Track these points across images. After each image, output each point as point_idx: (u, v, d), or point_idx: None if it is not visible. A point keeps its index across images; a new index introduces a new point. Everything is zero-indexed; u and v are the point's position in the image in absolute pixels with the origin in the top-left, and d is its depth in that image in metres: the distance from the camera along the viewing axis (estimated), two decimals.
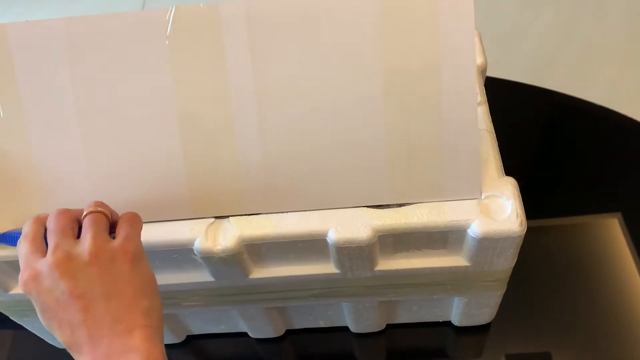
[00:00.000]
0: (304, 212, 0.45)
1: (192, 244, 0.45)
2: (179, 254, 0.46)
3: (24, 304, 0.52)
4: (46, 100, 0.45)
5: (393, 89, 0.43)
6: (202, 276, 0.48)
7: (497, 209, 0.43)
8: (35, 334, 0.59)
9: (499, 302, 0.55)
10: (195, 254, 0.45)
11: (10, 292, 0.50)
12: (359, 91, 0.43)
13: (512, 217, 0.43)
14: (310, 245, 0.46)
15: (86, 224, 0.37)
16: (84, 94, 0.45)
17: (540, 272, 0.62)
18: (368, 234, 0.43)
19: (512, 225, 0.42)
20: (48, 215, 0.39)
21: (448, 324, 0.59)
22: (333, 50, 0.43)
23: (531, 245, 0.45)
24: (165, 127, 0.45)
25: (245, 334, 0.61)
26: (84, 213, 0.38)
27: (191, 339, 0.62)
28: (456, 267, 0.47)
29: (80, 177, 0.45)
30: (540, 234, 0.59)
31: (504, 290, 0.52)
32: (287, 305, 0.55)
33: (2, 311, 0.54)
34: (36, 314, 0.51)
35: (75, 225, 0.38)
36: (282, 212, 0.45)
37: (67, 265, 0.35)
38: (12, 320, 0.55)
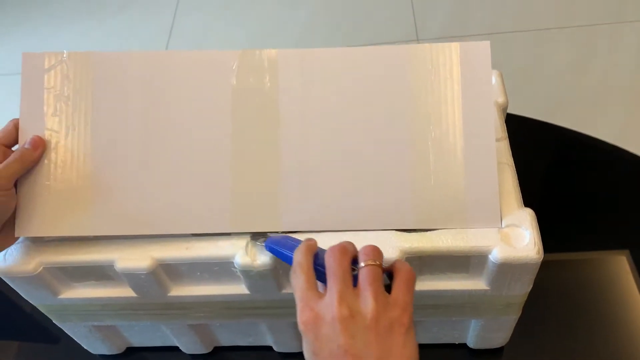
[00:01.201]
0: (336, 232, 0.49)
1: (233, 258, 0.48)
2: (220, 267, 0.50)
3: (69, 309, 0.56)
4: (115, 119, 0.50)
5: (420, 128, 0.49)
6: (239, 289, 0.52)
7: (517, 238, 0.47)
8: (74, 338, 0.62)
9: (514, 326, 0.58)
10: (234, 267, 0.49)
11: (58, 297, 0.54)
12: (390, 129, 0.49)
13: (530, 245, 0.46)
14: None
15: (366, 278, 0.38)
16: (150, 117, 0.50)
17: (549, 305, 0.65)
18: (397, 255, 0.47)
19: (530, 252, 0.46)
20: (315, 243, 0.41)
21: (463, 346, 0.62)
22: (370, 94, 0.49)
23: (539, 277, 0.49)
24: (218, 151, 0.50)
25: (269, 348, 0.64)
26: (363, 263, 0.39)
27: (218, 350, 0.65)
28: (476, 291, 0.50)
29: (136, 189, 0.50)
30: (549, 267, 0.62)
31: (518, 315, 0.55)
32: None
33: (46, 314, 0.57)
34: (78, 319, 0.55)
35: (351, 268, 0.39)
36: (315, 232, 0.49)
37: (350, 322, 0.36)
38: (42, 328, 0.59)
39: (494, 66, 0.50)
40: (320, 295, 0.38)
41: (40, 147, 0.49)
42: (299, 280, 0.39)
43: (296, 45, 1.62)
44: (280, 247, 0.45)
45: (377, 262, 0.39)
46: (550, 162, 0.80)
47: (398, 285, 0.39)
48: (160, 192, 0.50)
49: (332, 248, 0.40)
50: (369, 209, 0.49)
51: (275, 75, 0.50)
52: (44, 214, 0.50)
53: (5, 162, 0.48)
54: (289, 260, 0.43)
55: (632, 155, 0.77)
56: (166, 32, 1.72)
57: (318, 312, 0.37)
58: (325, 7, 1.71)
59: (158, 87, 0.50)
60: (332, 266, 0.38)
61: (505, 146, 0.53)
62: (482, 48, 0.49)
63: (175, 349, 0.65)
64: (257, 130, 0.50)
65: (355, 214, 0.49)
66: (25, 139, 0.50)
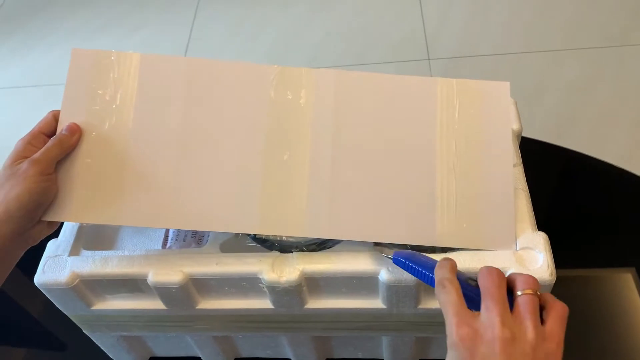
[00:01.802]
0: (358, 252, 0.52)
1: (261, 274, 0.51)
2: (247, 282, 0.53)
3: (101, 320, 0.58)
4: (156, 118, 0.53)
5: (446, 156, 0.52)
6: (263, 304, 0.55)
7: (531, 260, 0.49)
8: (101, 347, 0.65)
9: None
10: (262, 284, 0.51)
11: (91, 308, 0.57)
12: (417, 154, 0.52)
13: (543, 267, 0.49)
14: (362, 282, 0.52)
15: (526, 306, 0.39)
16: (190, 119, 0.53)
17: None
18: None
19: (544, 274, 0.48)
20: (455, 263, 0.42)
21: None
22: (399, 120, 0.53)
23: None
24: (251, 157, 0.53)
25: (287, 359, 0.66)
26: (521, 292, 0.39)
27: None
28: None
29: (171, 186, 0.52)
30: (556, 283, 0.64)
31: None
32: (333, 335, 0.61)
33: (78, 324, 0.60)
34: (108, 329, 0.57)
35: None
36: (338, 252, 0.52)
37: (510, 345, 0.37)
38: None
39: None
40: (475, 314, 0.39)
41: (77, 132, 0.52)
42: (450, 297, 0.40)
43: (310, 62, 1.66)
44: (415, 263, 0.46)
45: (536, 292, 0.40)
46: (556, 182, 0.82)
47: (554, 319, 0.39)
48: (195, 190, 0.52)
49: (489, 271, 0.40)
50: (393, 223, 0.52)
51: (311, 92, 0.53)
52: (79, 201, 0.51)
53: (44, 147, 0.50)
54: (421, 276, 0.45)
55: (637, 178, 0.79)
56: (182, 49, 1.76)
57: (477, 329, 0.38)
58: (338, 25, 1.75)
59: (200, 92, 0.53)
60: (490, 288, 0.39)
61: (520, 172, 0.56)
62: (503, 88, 0.53)
63: (197, 359, 0.67)
64: (290, 139, 0.53)
65: (378, 226, 0.52)
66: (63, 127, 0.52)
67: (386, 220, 0.52)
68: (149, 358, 0.68)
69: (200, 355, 0.66)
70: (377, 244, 0.52)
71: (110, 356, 0.67)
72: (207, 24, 1.83)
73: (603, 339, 0.67)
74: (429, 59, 1.59)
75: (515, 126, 0.60)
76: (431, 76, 1.55)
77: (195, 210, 0.52)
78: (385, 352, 0.63)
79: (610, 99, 1.46)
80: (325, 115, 0.53)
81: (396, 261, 0.47)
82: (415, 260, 0.46)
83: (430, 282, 0.43)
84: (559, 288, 0.57)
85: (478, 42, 1.62)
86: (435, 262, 0.44)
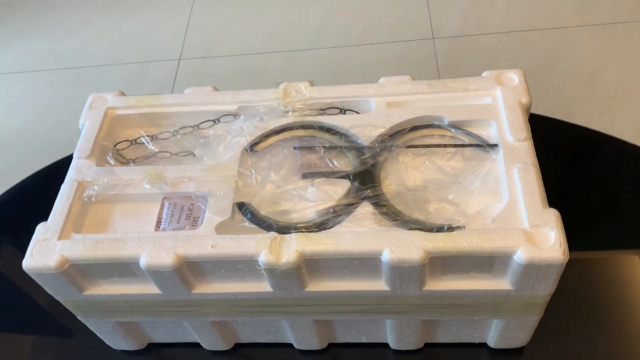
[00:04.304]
0: (359, 232, 0.49)
1: (258, 256, 0.49)
2: (244, 265, 0.50)
3: (94, 305, 0.56)
4: None
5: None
6: (262, 287, 0.52)
7: (542, 238, 0.47)
8: (97, 334, 0.63)
9: (535, 326, 0.57)
10: (259, 266, 0.49)
11: (83, 293, 0.55)
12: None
13: (555, 246, 0.46)
14: (364, 263, 0.49)
15: None
16: None
17: (564, 303, 0.64)
18: (420, 255, 0.47)
19: (556, 253, 0.46)
20: None
21: (484, 345, 0.62)
22: None
23: None
24: None
25: (290, 345, 0.64)
26: None
27: (238, 347, 0.66)
28: (500, 291, 0.50)
29: None
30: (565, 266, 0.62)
31: (541, 315, 0.55)
32: (335, 319, 0.58)
33: (70, 310, 0.58)
34: (102, 314, 0.56)
35: None
36: (339, 232, 0.49)
37: None
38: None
39: (511, 64, 0.50)
40: None
41: None
42: None
43: (312, 43, 1.62)
44: None
45: None
46: (565, 160, 0.79)
47: None
48: None
49: None
50: None
51: None
52: None
53: None
54: None
55: None
56: (182, 32, 1.73)
57: None
58: (340, 6, 1.71)
59: None
60: None
61: (529, 146, 0.53)
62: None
63: (196, 345, 0.65)
64: None
65: None
66: None
67: None
68: (147, 344, 0.66)
69: (199, 341, 0.64)
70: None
71: (107, 343, 0.65)
72: (207, 5, 1.80)
73: (609, 321, 0.64)
74: (433, 38, 1.55)
75: (524, 99, 0.57)
76: (435, 56, 1.51)
77: None
78: (389, 336, 0.61)
79: (621, 76, 1.42)
80: None
81: None
82: None
83: None
84: (565, 269, 0.54)
85: (484, 21, 1.58)
86: None
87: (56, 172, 0.85)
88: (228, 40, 1.69)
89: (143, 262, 0.50)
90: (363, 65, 1.54)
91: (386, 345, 0.63)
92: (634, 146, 0.79)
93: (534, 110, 0.59)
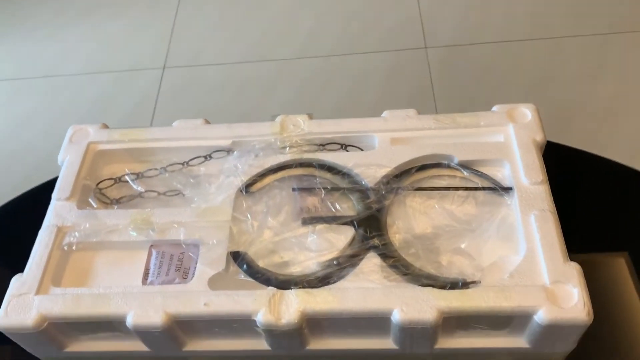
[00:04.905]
0: (367, 288, 0.45)
1: (255, 315, 0.45)
2: (239, 323, 0.46)
3: None
4: None
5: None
6: (259, 345, 0.48)
7: (564, 296, 0.43)
8: None
9: None
10: (257, 327, 0.45)
11: (64, 350, 0.50)
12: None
13: (579, 306, 0.43)
14: (372, 322, 0.45)
15: None
16: None
17: None
18: (434, 316, 0.43)
19: (580, 314, 0.42)
20: None
21: None
22: None
23: None
24: None
25: None
26: None
27: None
28: (516, 349, 0.47)
29: None
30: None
31: None
32: None
33: None
34: None
35: None
36: (344, 288, 0.45)
37: None
38: None
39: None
40: None
41: None
42: None
43: (302, 52, 1.58)
44: None
45: None
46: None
47: None
48: None
49: None
50: None
51: None
52: None
53: None
54: None
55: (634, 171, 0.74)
56: (166, 39, 1.67)
57: None
58: (331, 12, 1.67)
59: None
60: None
61: (546, 190, 0.49)
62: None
63: None
64: None
65: None
66: None
67: None
68: None
69: None
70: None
71: None
72: (193, 10, 1.74)
73: (595, 323, 0.61)
74: (425, 48, 1.51)
75: (539, 137, 0.53)
76: (428, 65, 1.48)
77: None
78: None
79: (616, 87, 1.39)
80: None
81: None
82: None
83: None
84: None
85: (477, 30, 1.54)
86: None
87: (33, 202, 0.81)
88: (214, 47, 1.63)
89: (130, 321, 0.45)
90: (354, 74, 1.50)
91: None
92: (622, 165, 0.76)
93: None
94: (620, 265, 0.66)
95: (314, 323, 0.46)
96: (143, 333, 0.46)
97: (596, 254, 0.68)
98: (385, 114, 0.57)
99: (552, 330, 0.43)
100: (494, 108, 0.56)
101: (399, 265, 0.47)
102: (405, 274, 0.46)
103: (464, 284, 0.45)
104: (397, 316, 0.43)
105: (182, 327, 0.47)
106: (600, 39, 1.49)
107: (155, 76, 1.59)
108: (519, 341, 0.46)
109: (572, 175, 0.75)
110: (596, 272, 0.65)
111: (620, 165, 0.74)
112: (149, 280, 0.49)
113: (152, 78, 1.59)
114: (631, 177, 0.74)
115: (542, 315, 0.42)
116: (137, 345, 0.49)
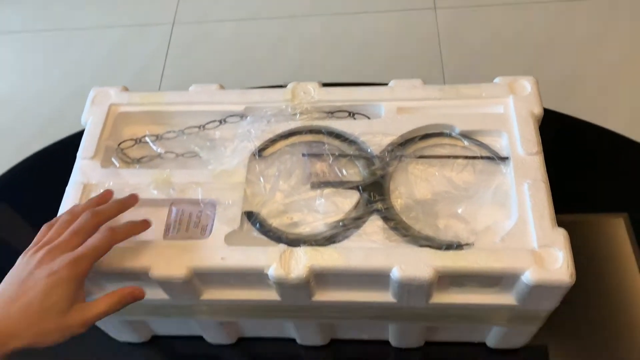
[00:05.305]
0: (369, 248, 0.49)
1: (267, 269, 0.49)
2: (254, 277, 0.51)
3: None
4: None
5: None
6: (270, 295, 0.53)
7: (550, 259, 0.47)
8: (103, 329, 0.64)
9: (535, 332, 0.59)
10: (269, 279, 0.49)
11: (92, 297, 0.55)
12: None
13: (563, 268, 0.47)
14: (373, 278, 0.50)
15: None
16: None
17: None
18: (430, 274, 0.47)
19: (563, 275, 0.46)
20: None
21: (482, 344, 0.64)
22: None
23: None
24: None
25: (293, 340, 0.65)
26: None
27: (242, 341, 0.67)
28: (504, 305, 0.51)
29: None
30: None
31: (541, 325, 0.56)
32: (339, 323, 0.59)
33: None
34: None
35: None
36: (348, 247, 0.50)
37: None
38: None
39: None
40: None
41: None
42: None
43: (310, 10, 1.58)
44: None
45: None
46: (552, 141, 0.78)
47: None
48: None
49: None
50: None
51: None
52: None
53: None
54: None
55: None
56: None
57: None
58: None
59: None
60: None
61: (540, 161, 0.53)
62: None
63: (200, 338, 0.66)
64: None
65: None
66: None
67: None
68: (151, 337, 0.67)
69: (204, 336, 0.65)
70: None
71: (112, 336, 0.66)
72: None
73: (593, 284, 0.66)
74: (435, 8, 1.52)
75: (536, 110, 0.56)
76: (437, 26, 1.48)
77: None
78: (391, 336, 0.62)
79: (623, 52, 1.40)
80: None
81: None
82: None
83: None
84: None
85: None
86: None
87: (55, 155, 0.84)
88: (223, 4, 1.64)
89: (153, 273, 0.50)
90: (361, 35, 1.51)
91: (387, 342, 0.64)
92: (621, 136, 0.79)
93: None
94: (613, 225, 0.70)
95: (320, 278, 0.50)
96: (165, 284, 0.51)
97: (590, 214, 0.71)
98: (392, 83, 0.60)
99: (537, 289, 0.47)
100: (496, 80, 0.59)
101: (399, 228, 0.51)
102: (405, 236, 0.50)
103: (459, 246, 0.49)
104: (396, 273, 0.48)
105: (201, 278, 0.52)
106: (609, 1, 1.48)
107: (165, 32, 1.60)
108: (508, 298, 0.51)
109: (571, 143, 0.78)
110: (589, 232, 0.70)
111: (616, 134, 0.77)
112: (170, 235, 0.53)
113: (161, 34, 1.60)
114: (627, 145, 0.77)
115: (529, 276, 0.47)
116: (158, 293, 0.54)
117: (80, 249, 0.45)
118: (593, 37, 1.44)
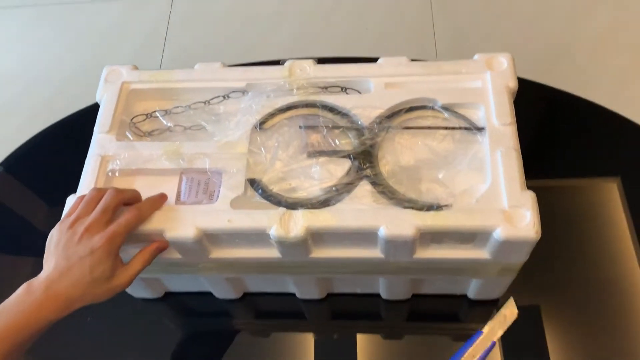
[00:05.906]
0: (359, 209, 0.56)
1: (269, 230, 0.55)
2: (257, 237, 0.57)
3: None
4: None
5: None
6: (271, 253, 0.59)
7: (518, 218, 0.54)
8: None
9: (510, 283, 0.66)
10: (270, 239, 0.56)
11: None
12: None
13: (529, 225, 0.53)
14: (363, 236, 0.56)
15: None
16: None
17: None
18: (412, 231, 0.54)
19: (530, 232, 0.53)
20: None
21: (464, 296, 0.71)
22: None
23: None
24: None
25: (293, 295, 0.72)
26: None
27: (247, 296, 0.74)
28: (479, 259, 0.58)
29: None
30: (546, 192, 0.62)
31: (514, 277, 0.63)
32: (334, 277, 0.66)
33: None
34: None
35: None
36: (341, 209, 0.56)
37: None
38: None
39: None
40: None
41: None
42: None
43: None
44: None
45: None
46: (537, 115, 0.83)
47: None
48: None
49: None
50: None
51: None
52: None
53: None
54: None
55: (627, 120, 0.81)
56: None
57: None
58: None
59: None
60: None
61: (512, 131, 0.58)
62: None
63: (209, 294, 0.73)
64: None
65: None
66: None
67: None
68: (164, 293, 0.74)
69: (212, 291, 0.72)
70: None
71: (129, 292, 0.73)
72: None
73: (587, 247, 0.72)
74: None
75: (511, 83, 0.61)
76: (431, 7, 1.51)
77: None
78: (381, 289, 0.69)
79: (608, 25, 1.44)
80: None
81: None
82: None
83: None
84: (547, 196, 0.60)
85: None
86: None
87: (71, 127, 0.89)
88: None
89: (167, 235, 0.56)
90: (356, 8, 1.54)
91: (378, 295, 0.71)
92: (608, 110, 0.84)
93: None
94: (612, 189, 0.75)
95: (316, 236, 0.57)
96: (177, 244, 0.57)
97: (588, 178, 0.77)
98: (380, 60, 0.65)
99: (507, 244, 0.54)
100: (475, 57, 0.64)
101: (386, 192, 0.57)
102: (391, 198, 0.56)
103: (439, 207, 0.55)
104: (383, 232, 0.54)
105: (209, 239, 0.58)
106: None
107: (165, 3, 1.63)
108: (482, 253, 0.57)
109: (550, 113, 0.83)
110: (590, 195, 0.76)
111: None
112: (181, 201, 0.59)
113: (162, 5, 1.63)
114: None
115: (500, 233, 0.53)
116: (170, 252, 0.60)
117: (114, 227, 0.53)
118: (582, 4, 1.47)
